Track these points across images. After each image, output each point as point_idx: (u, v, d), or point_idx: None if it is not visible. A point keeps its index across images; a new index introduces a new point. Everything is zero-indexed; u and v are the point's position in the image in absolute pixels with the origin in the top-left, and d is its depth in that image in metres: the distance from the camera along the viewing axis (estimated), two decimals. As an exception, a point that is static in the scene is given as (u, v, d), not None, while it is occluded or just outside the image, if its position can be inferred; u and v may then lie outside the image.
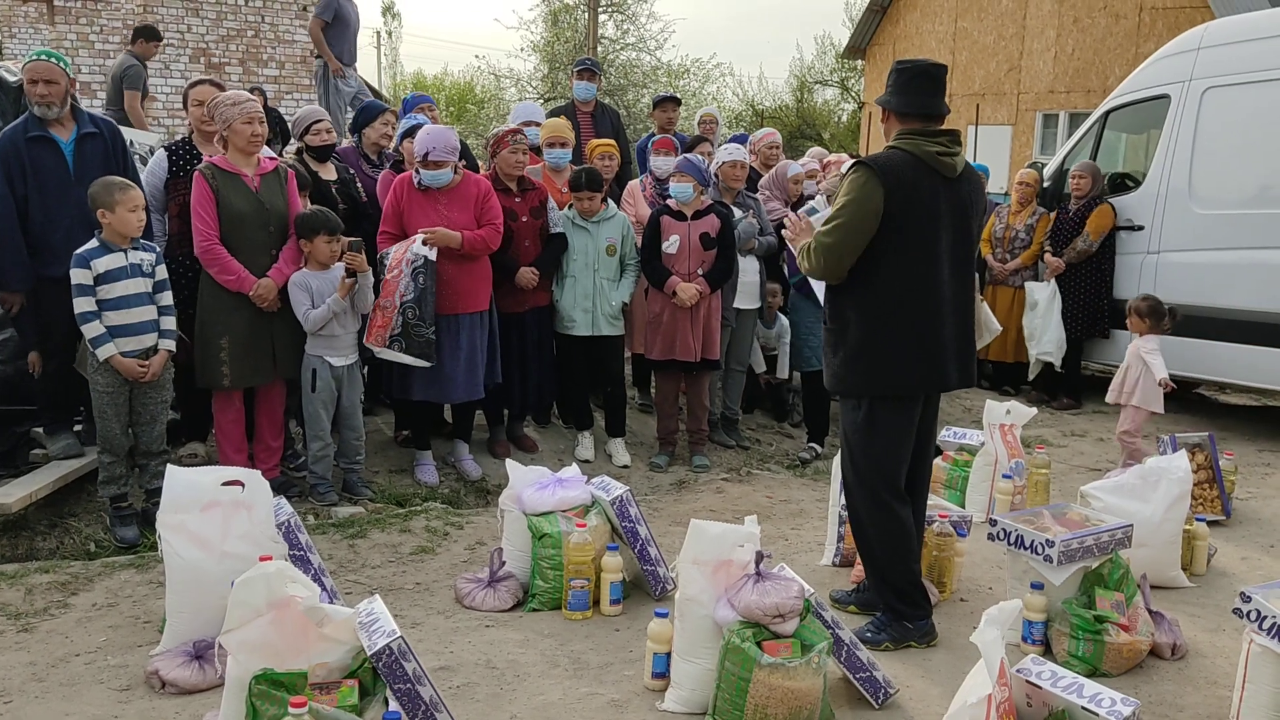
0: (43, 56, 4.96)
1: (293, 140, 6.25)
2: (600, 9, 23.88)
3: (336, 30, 9.17)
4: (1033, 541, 3.92)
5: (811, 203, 6.31)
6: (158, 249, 4.89)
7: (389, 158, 6.34)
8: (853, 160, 3.90)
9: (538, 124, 6.76)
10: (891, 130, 3.85)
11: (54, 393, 5.24)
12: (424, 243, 5.30)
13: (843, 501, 4.66)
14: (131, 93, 9.09)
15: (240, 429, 5.27)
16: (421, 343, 5.29)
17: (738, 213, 6.54)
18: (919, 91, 3.79)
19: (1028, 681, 3.03)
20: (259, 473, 3.80)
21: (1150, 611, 4.01)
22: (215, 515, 3.65)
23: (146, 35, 9.48)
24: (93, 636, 3.83)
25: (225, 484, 3.70)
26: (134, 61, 9.29)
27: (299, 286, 5.15)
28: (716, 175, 6.56)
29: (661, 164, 6.79)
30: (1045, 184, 8.87)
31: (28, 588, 4.20)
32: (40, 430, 5.39)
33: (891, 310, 3.73)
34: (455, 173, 5.54)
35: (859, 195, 3.68)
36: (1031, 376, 8.53)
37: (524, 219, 5.90)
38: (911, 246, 3.70)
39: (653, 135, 7.67)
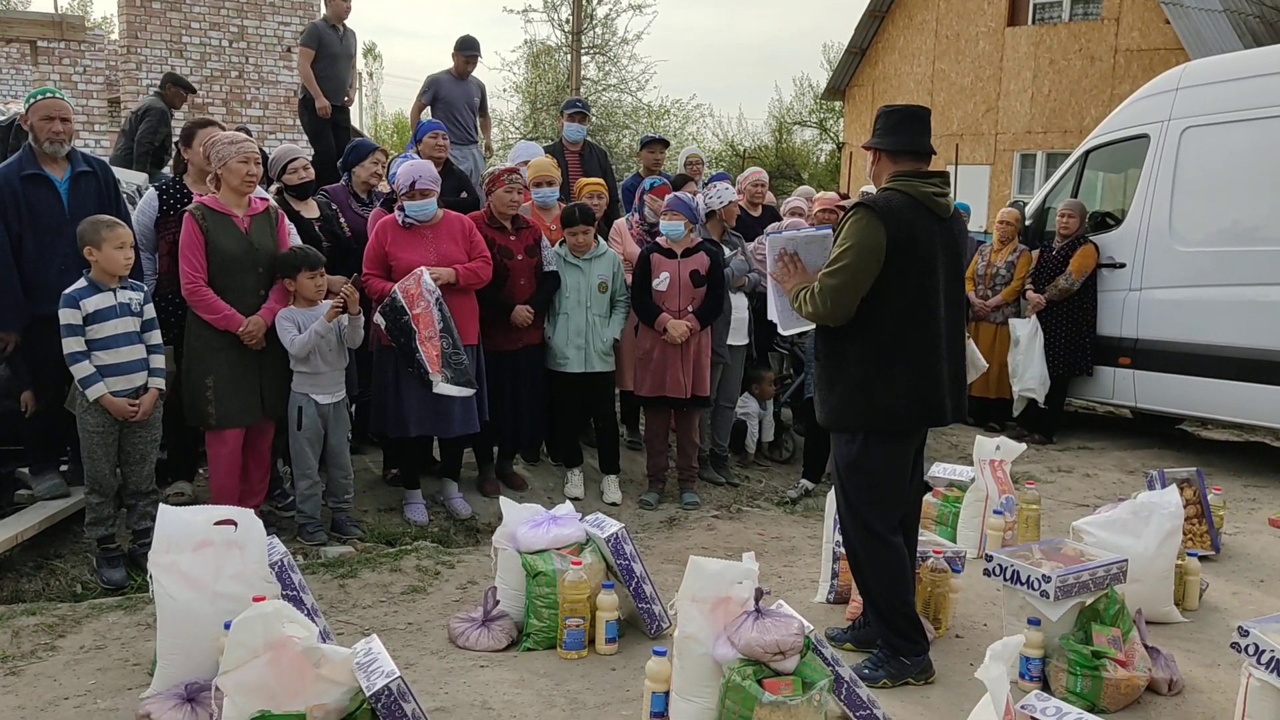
0: (52, 94, 4.97)
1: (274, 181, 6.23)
2: (583, 51, 24.08)
3: (441, 110, 8.83)
4: (1029, 577, 3.92)
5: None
6: (145, 288, 4.87)
7: (379, 196, 6.35)
8: (854, 202, 3.89)
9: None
10: (884, 172, 3.89)
11: (41, 432, 5.19)
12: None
13: (838, 538, 4.66)
14: (304, 50, 8.77)
15: (236, 473, 5.22)
16: (461, 369, 5.32)
17: (727, 251, 6.59)
18: (910, 131, 3.87)
19: (1032, 718, 3.02)
20: (252, 512, 3.76)
21: (1146, 647, 4.01)
22: (208, 555, 3.60)
23: None
24: (82, 679, 3.76)
25: (217, 523, 3.66)
26: (317, 20, 9.05)
27: (286, 319, 5.12)
28: (710, 213, 6.65)
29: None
30: (1026, 222, 8.96)
31: (14, 630, 4.13)
32: (26, 471, 5.33)
33: (892, 347, 3.75)
34: (437, 205, 5.59)
35: (862, 237, 3.70)
36: (1015, 413, 8.58)
37: (519, 257, 5.93)
38: (911, 285, 3.73)
39: (638, 175, 7.72)
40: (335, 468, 5.45)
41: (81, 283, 4.59)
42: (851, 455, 3.87)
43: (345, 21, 8.93)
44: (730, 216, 6.78)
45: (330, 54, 8.79)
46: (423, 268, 5.33)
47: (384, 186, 6.53)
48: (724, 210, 6.70)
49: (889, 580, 3.89)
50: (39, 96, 4.98)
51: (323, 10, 9.15)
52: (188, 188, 5.44)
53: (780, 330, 4.32)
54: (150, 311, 4.79)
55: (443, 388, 5.30)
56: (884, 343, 3.75)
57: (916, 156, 3.87)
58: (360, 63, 9.43)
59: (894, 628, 3.90)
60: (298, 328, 5.13)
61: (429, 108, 8.84)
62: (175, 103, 9.64)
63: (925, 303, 3.77)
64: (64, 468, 5.39)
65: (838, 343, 3.86)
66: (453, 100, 8.75)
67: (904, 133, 3.87)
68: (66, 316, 4.53)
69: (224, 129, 5.40)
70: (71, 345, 4.54)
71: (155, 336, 4.81)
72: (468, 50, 8.73)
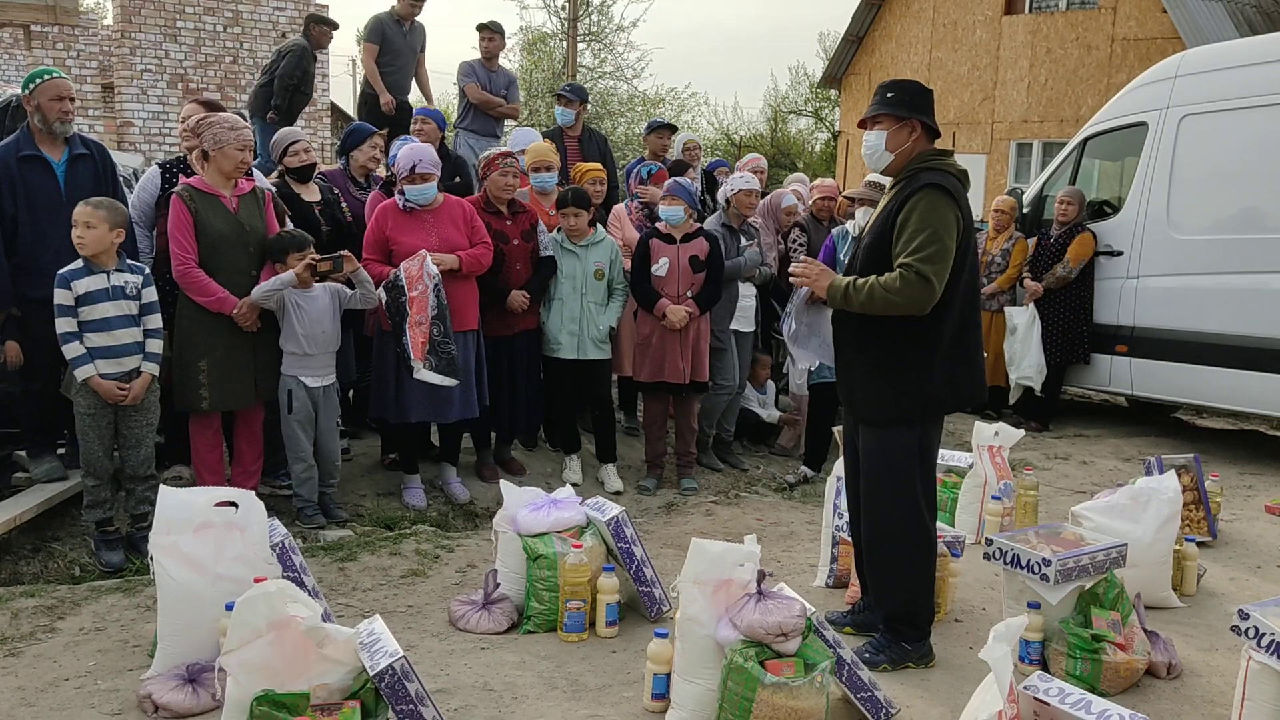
0: (57, 74, 4.95)
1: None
2: (579, 38, 24.02)
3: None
4: (1029, 560, 3.92)
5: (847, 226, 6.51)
6: (146, 270, 4.83)
7: (377, 180, 6.33)
8: (923, 183, 3.69)
9: (529, 149, 6.78)
10: (917, 148, 3.80)
11: (38, 415, 5.19)
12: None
13: (837, 523, 4.67)
14: (368, 45, 8.68)
15: (218, 454, 5.21)
16: (447, 359, 5.27)
17: (743, 240, 6.61)
18: (933, 109, 3.87)
19: (1036, 699, 3.03)
20: (253, 493, 3.75)
21: (1145, 631, 4.02)
22: (208, 537, 3.59)
23: None
24: (81, 661, 3.76)
25: (218, 505, 3.65)
26: (382, 14, 8.81)
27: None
28: (727, 201, 6.64)
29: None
30: (1024, 210, 8.96)
31: (13, 612, 4.12)
32: (23, 453, 5.32)
33: (959, 328, 3.74)
34: (437, 190, 5.58)
35: (946, 219, 3.63)
36: (1012, 401, 8.59)
37: (515, 242, 5.91)
38: (968, 265, 3.73)
39: (641, 160, 7.69)
40: (323, 451, 5.43)
41: (76, 264, 4.57)
42: (912, 445, 3.80)
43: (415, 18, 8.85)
44: (743, 206, 6.70)
45: (394, 49, 8.71)
46: (425, 251, 5.31)
47: (381, 170, 6.51)
48: (736, 198, 6.67)
49: (923, 564, 3.88)
50: (44, 77, 4.94)
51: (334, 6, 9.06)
52: (192, 168, 5.39)
53: (818, 361, 4.32)
54: (150, 295, 4.75)
55: (424, 374, 5.26)
56: (952, 327, 3.71)
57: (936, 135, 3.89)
58: (354, 50, 9.28)
59: (913, 616, 3.89)
60: (284, 293, 5.12)
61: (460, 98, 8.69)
62: (322, 41, 9.32)
63: (975, 281, 3.80)
64: (61, 451, 5.39)
65: (900, 333, 3.72)
66: (493, 87, 8.63)
67: (933, 110, 3.86)
68: (58, 297, 4.53)
69: (225, 110, 5.37)
70: (63, 326, 4.53)
71: (154, 320, 4.77)
72: (488, 29, 8.60)
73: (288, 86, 8.89)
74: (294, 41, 9.23)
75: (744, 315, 6.79)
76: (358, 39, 9.78)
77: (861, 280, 3.71)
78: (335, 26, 9.35)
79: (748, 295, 6.78)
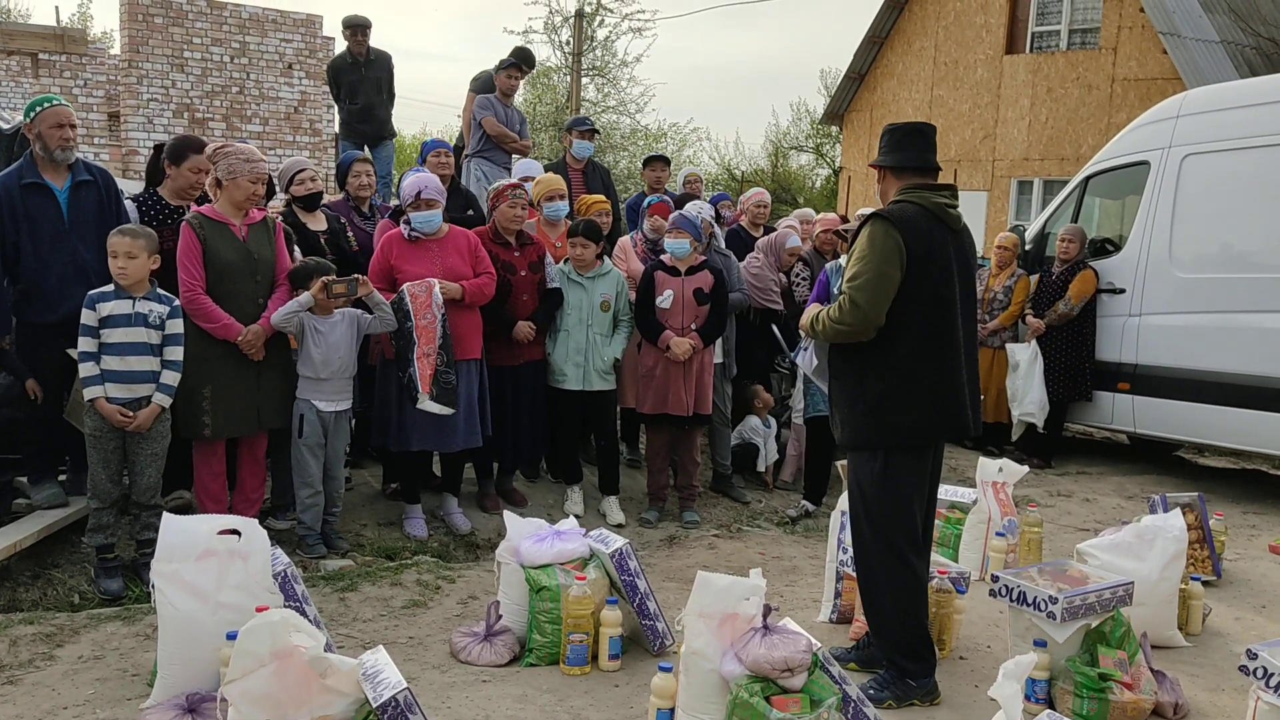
0: (58, 102, 4.97)
1: (279, 192, 6.20)
2: (582, 72, 24.18)
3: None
4: (1035, 598, 3.90)
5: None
6: (176, 301, 4.80)
7: (382, 210, 6.34)
8: (867, 214, 3.88)
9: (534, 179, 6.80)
10: (890, 189, 3.90)
11: (40, 441, 5.16)
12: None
13: (841, 557, 4.64)
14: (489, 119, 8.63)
15: (221, 482, 5.19)
16: (448, 389, 5.29)
17: None
18: (913, 147, 3.89)
19: (1044, 737, 3.00)
20: (255, 521, 3.73)
21: (1152, 670, 3.99)
22: (210, 565, 3.58)
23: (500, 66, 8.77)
24: (80, 689, 3.72)
25: (221, 533, 3.63)
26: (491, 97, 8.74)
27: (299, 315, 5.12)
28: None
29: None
30: (1026, 247, 8.99)
31: (11, 639, 4.09)
32: (24, 480, 5.30)
33: (914, 358, 3.74)
34: (442, 218, 5.60)
35: (881, 246, 3.69)
36: (1014, 437, 8.58)
37: (523, 273, 5.93)
38: (929, 295, 3.73)
39: (643, 194, 7.72)
40: (329, 479, 5.41)
41: (108, 286, 4.61)
42: (875, 473, 3.83)
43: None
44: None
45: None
46: (434, 280, 5.32)
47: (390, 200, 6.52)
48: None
49: (908, 602, 3.86)
50: (45, 104, 4.96)
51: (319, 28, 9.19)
52: (165, 200, 5.36)
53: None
54: (175, 327, 4.73)
55: (426, 405, 5.27)
56: (906, 354, 3.73)
57: (922, 173, 3.88)
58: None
59: (904, 649, 3.87)
60: (304, 327, 5.12)
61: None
62: (352, 47, 9.33)
63: (945, 313, 3.76)
64: (62, 477, 5.37)
65: (858, 359, 3.82)
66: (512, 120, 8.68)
67: (907, 149, 3.88)
68: (84, 316, 4.58)
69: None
70: (83, 345, 4.57)
71: (175, 353, 4.73)
72: (509, 65, 8.64)
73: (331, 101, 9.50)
74: None
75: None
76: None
77: (820, 311, 3.85)
78: (358, 24, 9.31)
79: None
